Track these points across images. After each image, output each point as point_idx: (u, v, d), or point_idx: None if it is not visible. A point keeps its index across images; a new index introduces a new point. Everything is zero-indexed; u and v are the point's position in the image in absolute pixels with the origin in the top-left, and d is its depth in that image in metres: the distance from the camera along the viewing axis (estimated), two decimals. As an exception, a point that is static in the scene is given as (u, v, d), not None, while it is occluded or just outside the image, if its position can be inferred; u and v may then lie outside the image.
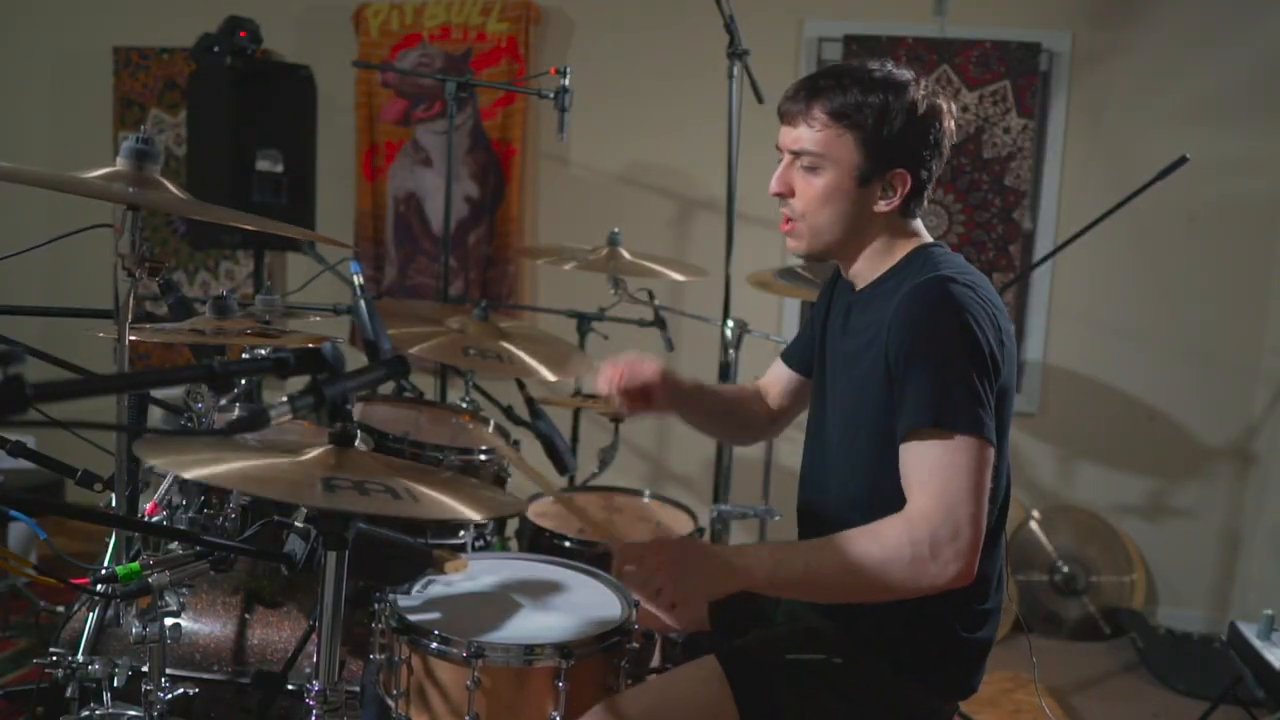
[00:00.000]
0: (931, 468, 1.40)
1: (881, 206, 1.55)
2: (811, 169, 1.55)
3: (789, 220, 1.60)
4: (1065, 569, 3.83)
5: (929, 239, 1.61)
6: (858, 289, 1.64)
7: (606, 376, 1.77)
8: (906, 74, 1.54)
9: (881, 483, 1.51)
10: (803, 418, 1.83)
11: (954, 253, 1.61)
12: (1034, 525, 3.89)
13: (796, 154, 1.56)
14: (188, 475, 1.16)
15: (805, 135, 1.54)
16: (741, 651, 1.56)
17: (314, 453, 1.27)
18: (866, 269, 1.62)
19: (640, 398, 1.77)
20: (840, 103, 1.51)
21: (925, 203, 1.60)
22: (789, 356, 1.89)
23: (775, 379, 1.92)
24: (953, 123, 1.57)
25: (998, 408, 1.47)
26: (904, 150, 1.52)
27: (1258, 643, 2.51)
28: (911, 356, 1.44)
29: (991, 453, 1.42)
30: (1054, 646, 3.73)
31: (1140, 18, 3.72)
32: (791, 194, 1.58)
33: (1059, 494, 3.95)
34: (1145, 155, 3.36)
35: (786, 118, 1.58)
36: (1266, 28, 3.65)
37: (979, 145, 3.79)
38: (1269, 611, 2.55)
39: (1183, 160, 2.78)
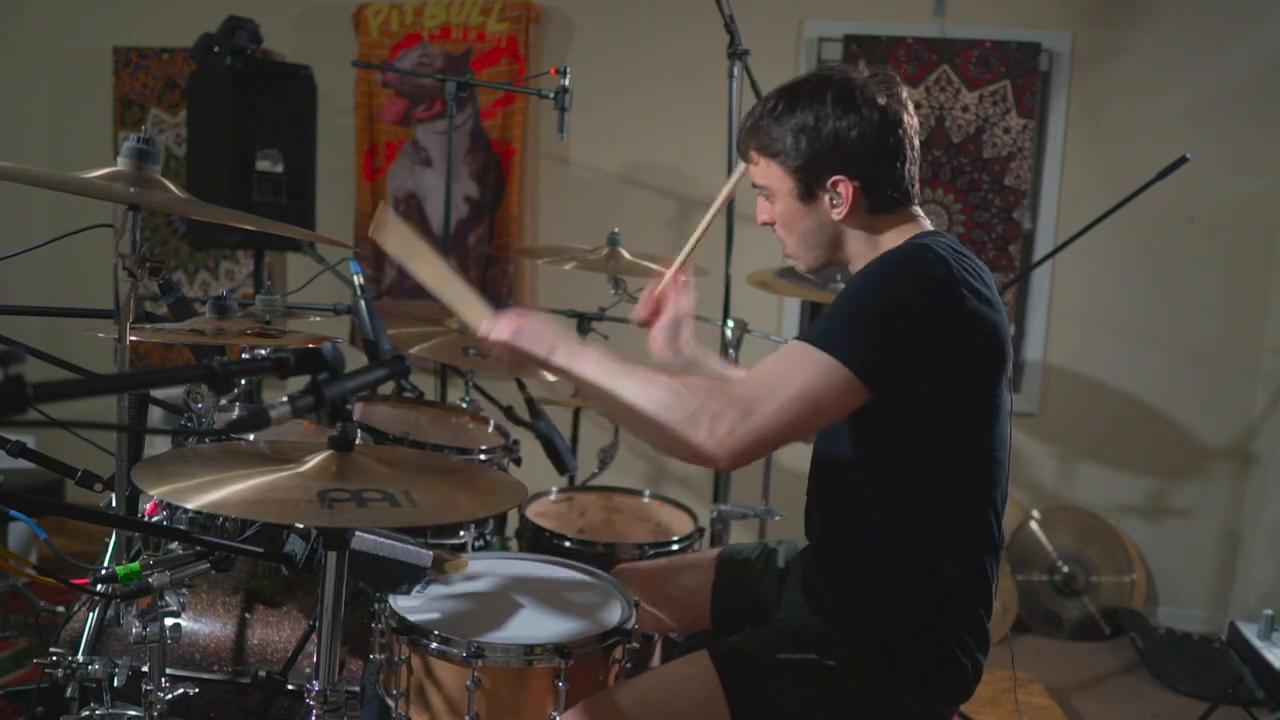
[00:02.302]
0: (774, 361, 1.43)
1: (837, 215, 1.55)
2: (769, 199, 1.62)
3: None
4: (1065, 569, 3.83)
5: (926, 227, 1.58)
6: None
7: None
8: (832, 79, 1.52)
9: (858, 479, 1.53)
10: None
11: (946, 235, 1.56)
12: (1034, 525, 3.89)
13: (757, 187, 1.64)
14: (189, 506, 1.16)
15: (754, 171, 1.62)
16: (733, 649, 1.56)
17: (312, 462, 1.27)
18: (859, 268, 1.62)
19: (657, 313, 1.84)
20: (762, 137, 1.57)
21: (900, 192, 1.55)
22: None
23: None
24: (882, 105, 1.50)
25: (985, 380, 1.46)
26: (831, 159, 1.52)
27: (1258, 643, 2.51)
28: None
29: (849, 386, 1.37)
30: (1054, 646, 3.74)
31: (1140, 18, 3.72)
32: (773, 222, 1.64)
33: (1059, 494, 3.95)
34: (1145, 155, 3.36)
35: (741, 155, 1.66)
36: (1266, 28, 3.65)
37: (979, 145, 3.79)
38: (1269, 611, 2.55)
39: (1183, 160, 2.78)
